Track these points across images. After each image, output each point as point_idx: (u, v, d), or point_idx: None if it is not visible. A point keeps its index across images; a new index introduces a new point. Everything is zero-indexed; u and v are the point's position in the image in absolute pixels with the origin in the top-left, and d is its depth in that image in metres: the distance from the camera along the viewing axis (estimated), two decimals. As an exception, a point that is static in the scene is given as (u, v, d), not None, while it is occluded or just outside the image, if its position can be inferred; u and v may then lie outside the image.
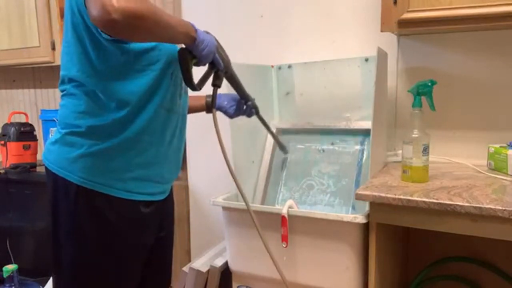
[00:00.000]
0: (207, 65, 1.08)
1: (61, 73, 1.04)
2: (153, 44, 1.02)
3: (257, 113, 1.41)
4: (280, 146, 1.59)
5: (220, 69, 1.10)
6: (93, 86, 0.99)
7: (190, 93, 1.15)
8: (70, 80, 1.02)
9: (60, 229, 1.04)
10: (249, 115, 1.39)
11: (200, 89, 1.07)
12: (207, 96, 1.35)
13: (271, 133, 1.53)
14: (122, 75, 0.99)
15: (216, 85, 1.13)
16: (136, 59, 1.00)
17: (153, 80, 1.03)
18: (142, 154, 1.05)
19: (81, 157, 1.00)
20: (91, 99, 1.00)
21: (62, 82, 1.05)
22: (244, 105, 1.35)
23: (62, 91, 1.05)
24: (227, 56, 1.13)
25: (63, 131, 1.03)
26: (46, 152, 1.07)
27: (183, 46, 1.00)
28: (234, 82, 1.24)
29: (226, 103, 1.34)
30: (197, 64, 1.04)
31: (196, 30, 0.98)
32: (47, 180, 1.07)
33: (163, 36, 0.91)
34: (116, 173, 1.02)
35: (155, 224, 1.16)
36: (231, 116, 1.36)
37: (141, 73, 1.01)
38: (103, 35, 0.94)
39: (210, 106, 1.31)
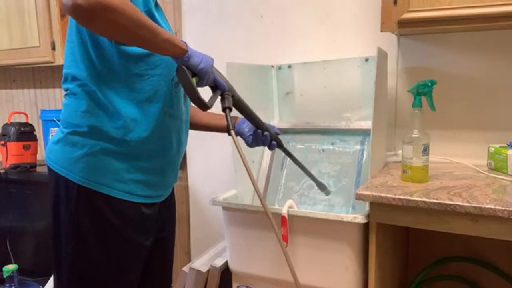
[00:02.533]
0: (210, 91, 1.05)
1: (64, 71, 1.05)
2: None
3: (280, 146, 1.30)
4: (319, 186, 1.44)
5: (225, 90, 1.05)
6: (94, 86, 0.99)
7: (212, 110, 1.08)
8: (73, 79, 1.02)
9: (61, 228, 1.05)
10: (270, 148, 1.28)
11: (211, 106, 1.02)
12: (232, 117, 1.30)
13: (307, 172, 1.39)
14: (122, 79, 0.99)
15: (227, 107, 1.06)
16: (135, 63, 0.99)
17: (151, 85, 1.02)
18: (146, 160, 1.05)
19: (83, 157, 1.00)
20: (92, 99, 1.00)
21: (65, 80, 1.05)
22: (261, 135, 1.25)
23: (65, 89, 1.06)
24: (228, 81, 1.08)
25: (66, 130, 1.03)
26: (48, 151, 1.08)
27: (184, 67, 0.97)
28: (241, 108, 1.15)
29: (247, 130, 1.27)
30: (199, 83, 1.00)
31: (187, 45, 0.96)
32: (49, 179, 1.07)
33: (141, 38, 0.87)
34: (117, 174, 1.02)
35: (156, 225, 1.16)
36: (248, 144, 1.29)
37: (140, 78, 1.01)
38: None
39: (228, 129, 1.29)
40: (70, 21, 1.01)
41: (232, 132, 1.06)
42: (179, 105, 1.12)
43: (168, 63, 1.04)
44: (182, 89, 1.11)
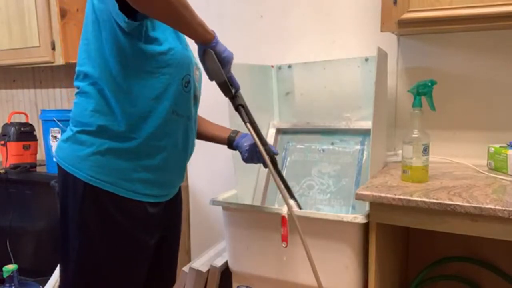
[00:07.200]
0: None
1: (77, 68, 1.06)
2: (166, 47, 1.03)
3: (275, 167, 1.24)
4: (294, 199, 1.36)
5: (238, 89, 1.08)
6: (104, 84, 1.00)
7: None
8: (85, 76, 1.03)
9: (68, 225, 1.06)
10: (265, 166, 1.24)
11: (234, 93, 1.06)
12: (233, 132, 1.30)
13: (285, 187, 1.30)
14: (133, 76, 1.00)
15: (240, 105, 1.07)
16: (148, 60, 1.01)
17: (162, 83, 1.03)
18: (152, 158, 1.06)
19: (91, 155, 1.02)
20: (102, 98, 1.01)
21: (77, 78, 1.06)
22: (258, 152, 1.21)
23: (76, 87, 1.07)
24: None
25: (75, 129, 1.04)
26: (57, 149, 1.09)
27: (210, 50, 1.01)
28: (247, 115, 1.10)
29: (245, 144, 1.25)
30: (223, 70, 1.03)
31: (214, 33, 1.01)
32: (58, 176, 1.09)
33: (182, 17, 0.91)
34: (124, 173, 1.03)
35: (161, 224, 1.16)
36: (243, 159, 1.27)
37: (151, 75, 1.02)
38: (122, 26, 0.95)
39: (232, 141, 1.28)
40: (86, 19, 1.03)
41: (248, 124, 1.09)
42: (188, 104, 1.12)
43: (179, 62, 1.06)
44: (192, 90, 1.12)
